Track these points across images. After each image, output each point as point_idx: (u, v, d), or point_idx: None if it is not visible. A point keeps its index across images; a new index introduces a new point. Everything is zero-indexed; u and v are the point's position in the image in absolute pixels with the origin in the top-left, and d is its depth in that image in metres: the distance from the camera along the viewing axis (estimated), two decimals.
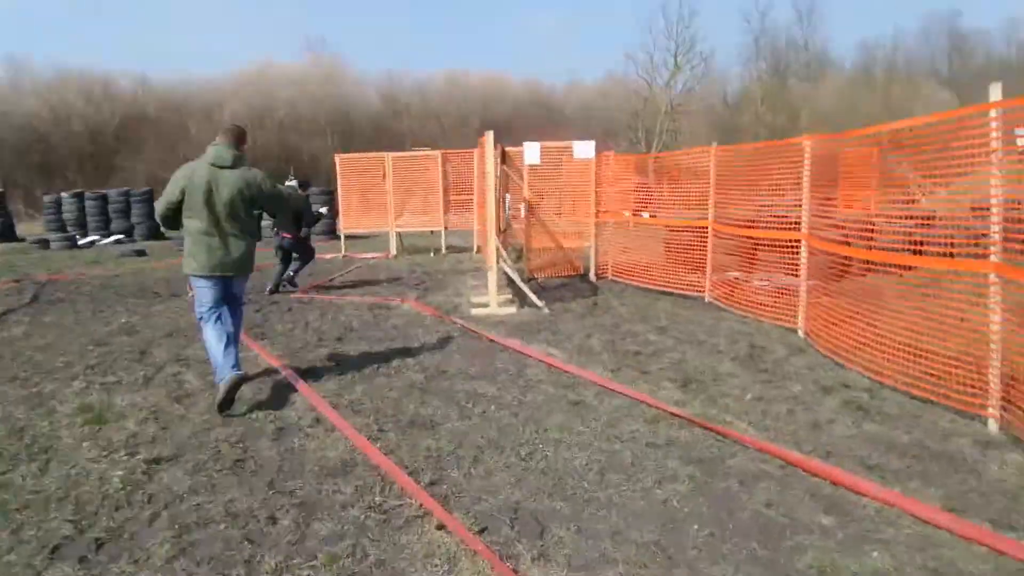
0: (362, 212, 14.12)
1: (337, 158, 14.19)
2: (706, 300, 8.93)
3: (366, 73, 53.13)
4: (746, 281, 8.96)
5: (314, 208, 10.97)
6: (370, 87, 40.39)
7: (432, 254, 14.14)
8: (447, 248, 14.37)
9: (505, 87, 37.03)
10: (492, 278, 8.40)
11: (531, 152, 10.39)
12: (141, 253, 14.82)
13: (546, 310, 8.27)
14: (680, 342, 6.73)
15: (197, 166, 4.83)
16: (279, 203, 5.27)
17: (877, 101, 37.56)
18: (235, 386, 4.76)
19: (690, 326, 7.47)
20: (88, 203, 19.74)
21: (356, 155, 14.32)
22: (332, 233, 18.66)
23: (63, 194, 19.98)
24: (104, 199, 19.97)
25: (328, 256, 14.51)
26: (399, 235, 14.28)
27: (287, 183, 7.93)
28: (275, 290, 9.77)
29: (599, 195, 10.67)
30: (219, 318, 4.96)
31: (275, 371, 5.75)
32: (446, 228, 14.25)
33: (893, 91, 38.77)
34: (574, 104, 39.91)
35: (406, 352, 6.33)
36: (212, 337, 4.90)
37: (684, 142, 29.97)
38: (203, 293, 4.96)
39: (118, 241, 18.33)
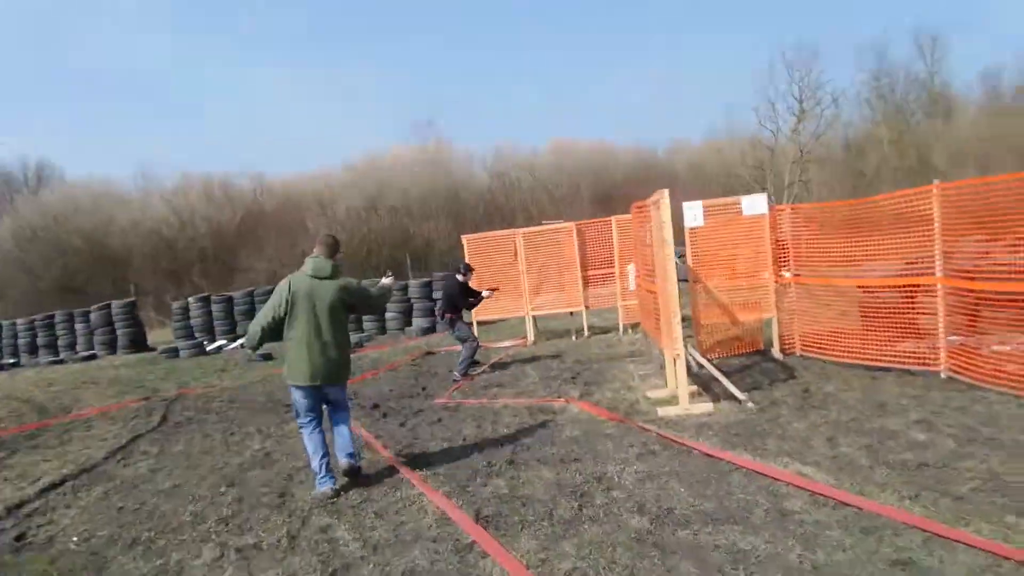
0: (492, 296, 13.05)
1: (464, 240, 13.26)
2: (943, 375, 7.09)
3: (473, 151, 54.13)
4: (976, 346, 7.09)
5: (483, 291, 10.53)
6: (477, 164, 40.60)
7: (574, 337, 12.79)
8: (588, 329, 12.99)
9: (611, 153, 36.14)
10: (681, 369, 6.91)
11: (692, 213, 8.97)
12: (268, 357, 14.24)
13: (750, 404, 6.67)
14: (965, 441, 5.00)
15: (298, 278, 5.17)
16: (367, 302, 5.58)
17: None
18: (334, 495, 5.06)
19: (957, 415, 5.70)
20: (214, 307, 19.74)
21: (484, 235, 13.35)
22: None
23: (190, 299, 20.08)
24: (229, 301, 19.94)
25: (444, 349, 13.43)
26: (534, 319, 13.05)
27: (383, 279, 7.27)
28: (458, 375, 9.77)
29: (777, 255, 9.07)
30: (317, 426, 5.24)
31: (447, 521, 4.42)
32: (587, 307, 12.91)
33: None
34: (682, 163, 38.46)
35: (605, 480, 4.89)
36: (310, 446, 5.21)
37: (815, 192, 27.95)
38: (300, 403, 5.20)
39: (243, 344, 17.81)
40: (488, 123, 64.64)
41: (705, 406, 6.77)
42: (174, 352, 17.39)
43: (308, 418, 5.21)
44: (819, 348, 8.63)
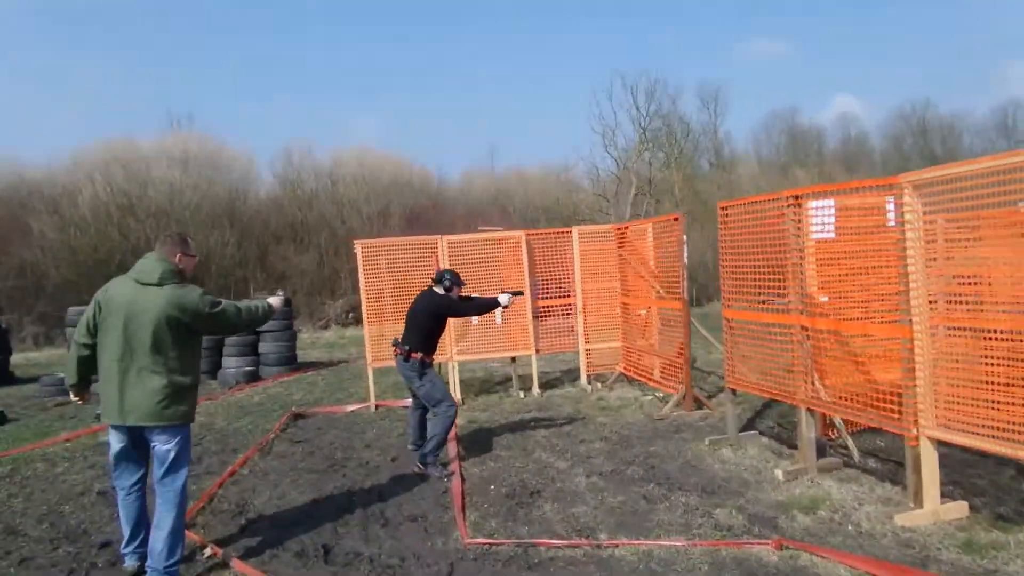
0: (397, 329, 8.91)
1: (358, 247, 8.93)
2: None
3: (253, 152, 47.07)
4: None
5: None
6: (264, 168, 34.69)
7: (521, 394, 9.04)
8: (540, 383, 9.30)
9: (424, 174, 32.63)
10: (931, 459, 3.77)
11: (822, 216, 5.85)
12: (2, 419, 8.57)
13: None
14: None
15: (120, 283, 3.94)
16: (217, 323, 4.10)
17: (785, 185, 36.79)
18: None
19: None
20: None
21: (388, 241, 9.09)
22: (292, 363, 12.90)
23: None
24: None
25: (350, 408, 9.00)
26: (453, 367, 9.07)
27: (271, 298, 4.74)
28: (422, 465, 5.79)
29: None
30: (134, 489, 4.00)
31: None
32: (537, 352, 9.22)
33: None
34: (486, 189, 36.15)
35: None
36: (122, 514, 4.03)
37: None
38: (112, 449, 3.98)
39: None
40: (280, 123, 56.81)
41: (958, 507, 3.72)
42: None
43: (121, 472, 3.98)
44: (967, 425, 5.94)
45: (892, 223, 4.97)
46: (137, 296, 3.84)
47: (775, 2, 65.12)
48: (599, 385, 9.11)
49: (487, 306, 6.28)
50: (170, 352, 3.85)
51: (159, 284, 3.86)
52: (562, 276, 9.40)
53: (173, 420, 3.88)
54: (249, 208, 27.05)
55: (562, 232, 9.56)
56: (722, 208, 6.19)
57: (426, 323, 5.99)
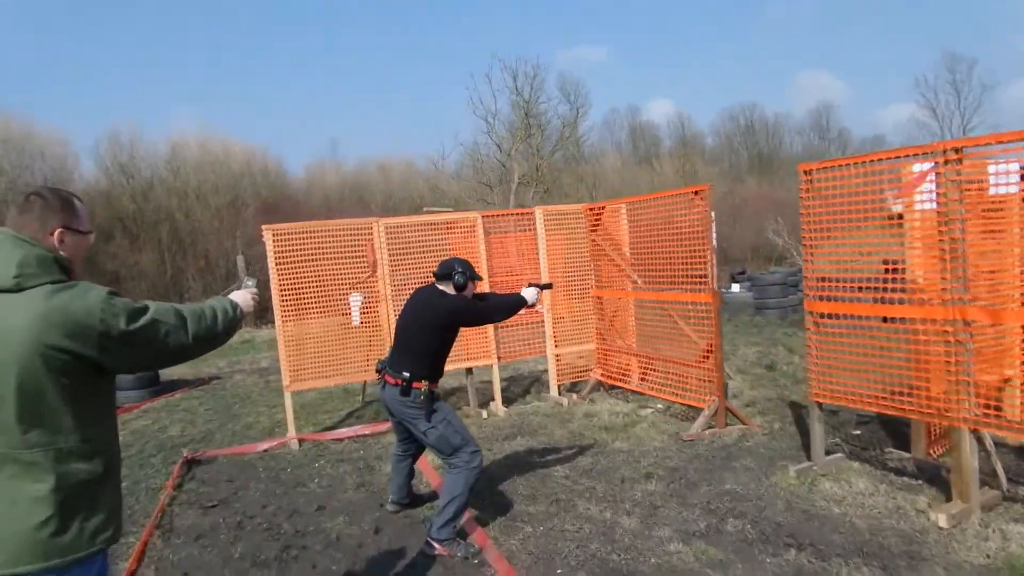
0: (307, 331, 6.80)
1: (268, 233, 6.72)
2: None
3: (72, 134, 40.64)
4: None
5: None
6: (85, 153, 29.77)
7: (484, 413, 7.25)
8: (501, 397, 7.55)
9: (274, 165, 29.32)
10: None
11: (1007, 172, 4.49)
12: None
13: None
14: None
15: None
16: (160, 351, 2.11)
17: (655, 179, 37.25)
18: None
19: None
20: None
21: (306, 226, 6.93)
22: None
23: None
24: None
25: (263, 446, 6.84)
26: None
27: (245, 283, 2.43)
28: (438, 543, 3.93)
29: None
30: None
31: None
32: (499, 359, 7.45)
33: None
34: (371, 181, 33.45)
35: None
36: None
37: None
38: None
39: None
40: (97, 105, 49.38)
41: None
42: None
43: None
44: None
45: None
46: None
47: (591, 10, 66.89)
48: (574, 397, 7.51)
49: (512, 306, 4.46)
50: (57, 418, 1.97)
51: (16, 289, 1.97)
52: (522, 267, 7.70)
53: (76, 553, 1.97)
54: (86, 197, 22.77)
55: (522, 214, 7.85)
56: (805, 173, 4.78)
57: (431, 337, 4.11)
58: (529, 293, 4.51)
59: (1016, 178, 4.01)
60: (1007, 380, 4.47)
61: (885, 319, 4.50)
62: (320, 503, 4.95)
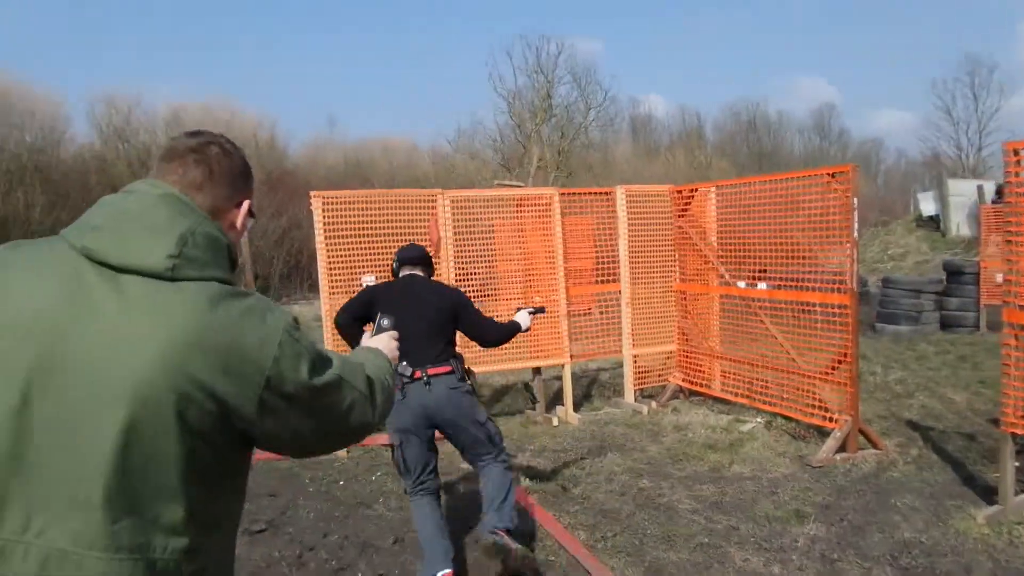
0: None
1: (316, 200, 5.73)
2: None
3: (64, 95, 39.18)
4: None
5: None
6: (80, 117, 28.50)
7: (554, 420, 6.33)
8: (572, 405, 6.62)
9: (274, 137, 28.11)
10: None
11: None
12: None
13: None
14: None
15: (21, 258, 1.13)
16: (338, 429, 1.29)
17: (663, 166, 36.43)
18: None
19: None
20: None
21: (363, 194, 5.94)
22: None
23: None
24: None
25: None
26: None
27: (380, 324, 1.69)
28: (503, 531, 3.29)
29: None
30: None
31: None
32: (571, 358, 6.52)
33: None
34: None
35: None
36: None
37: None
38: None
39: None
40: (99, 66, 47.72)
41: None
42: None
43: None
44: None
45: None
46: (77, 310, 1.06)
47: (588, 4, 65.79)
48: (652, 404, 6.62)
49: (508, 332, 3.67)
50: (166, 508, 1.07)
51: (169, 277, 1.10)
52: (600, 254, 6.78)
53: None
54: (63, 164, 21.57)
55: (601, 193, 6.92)
56: (1014, 152, 3.87)
57: (448, 323, 3.49)
58: (523, 318, 3.72)
59: None
60: None
61: None
62: (396, 534, 4.03)
